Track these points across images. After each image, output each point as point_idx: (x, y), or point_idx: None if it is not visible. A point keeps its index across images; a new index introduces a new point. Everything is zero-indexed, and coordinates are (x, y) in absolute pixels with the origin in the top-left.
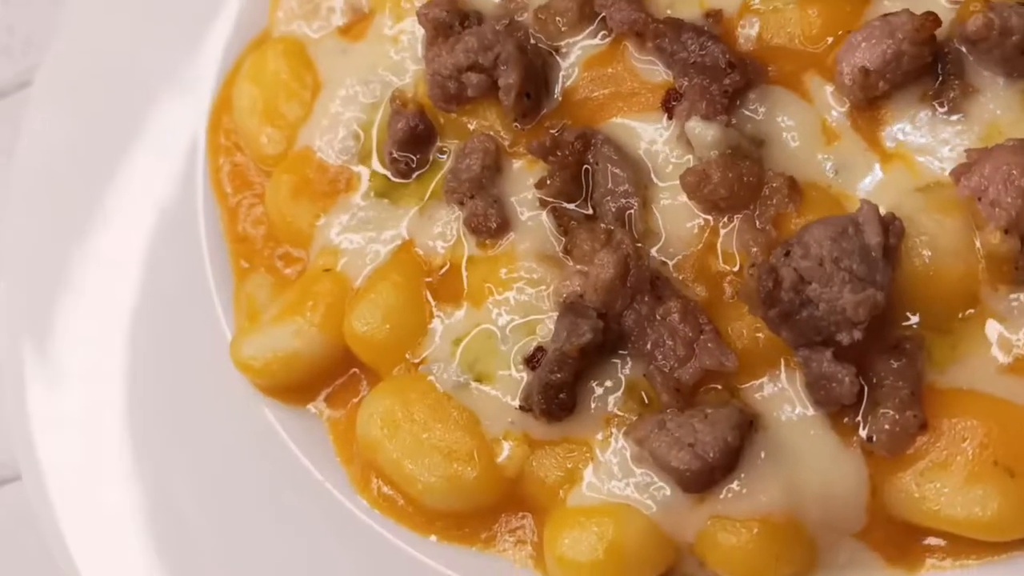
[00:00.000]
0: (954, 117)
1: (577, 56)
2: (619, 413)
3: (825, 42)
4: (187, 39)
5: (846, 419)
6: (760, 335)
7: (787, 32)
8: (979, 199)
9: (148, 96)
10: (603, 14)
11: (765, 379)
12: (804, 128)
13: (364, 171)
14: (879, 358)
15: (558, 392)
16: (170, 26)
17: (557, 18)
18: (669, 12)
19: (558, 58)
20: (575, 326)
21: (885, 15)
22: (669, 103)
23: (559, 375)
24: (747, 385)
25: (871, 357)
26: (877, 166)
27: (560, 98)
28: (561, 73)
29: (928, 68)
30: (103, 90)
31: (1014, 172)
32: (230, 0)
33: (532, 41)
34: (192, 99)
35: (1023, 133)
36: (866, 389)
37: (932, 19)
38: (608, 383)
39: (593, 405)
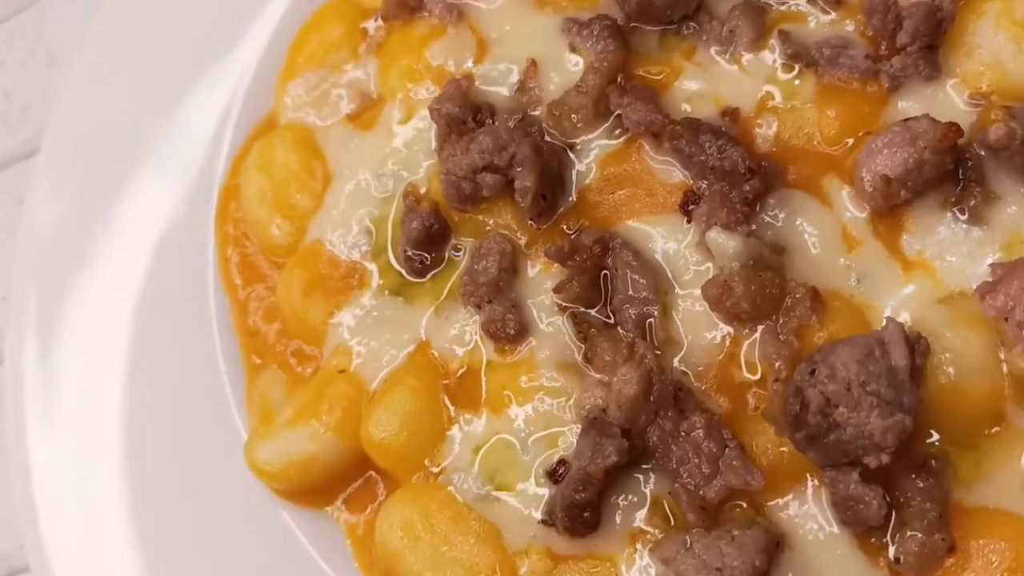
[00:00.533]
0: (976, 225)
1: (593, 154)
2: (644, 528)
3: (844, 143)
4: (193, 121)
5: (873, 539)
6: (785, 450)
7: (805, 133)
8: (1005, 319)
9: (155, 181)
10: (618, 112)
11: (790, 496)
12: (825, 235)
13: (377, 267)
14: (905, 477)
15: (582, 511)
16: (176, 111)
17: (572, 115)
18: (686, 109)
19: (573, 155)
20: (600, 446)
21: (906, 120)
22: (687, 206)
23: (583, 494)
24: (773, 503)
25: (897, 476)
26: (900, 275)
27: (576, 197)
28: (577, 170)
29: (949, 174)
30: (106, 167)
31: None
32: (236, 81)
33: (547, 138)
34: (199, 183)
35: None
36: (893, 510)
37: (955, 130)
38: (633, 498)
39: (618, 520)
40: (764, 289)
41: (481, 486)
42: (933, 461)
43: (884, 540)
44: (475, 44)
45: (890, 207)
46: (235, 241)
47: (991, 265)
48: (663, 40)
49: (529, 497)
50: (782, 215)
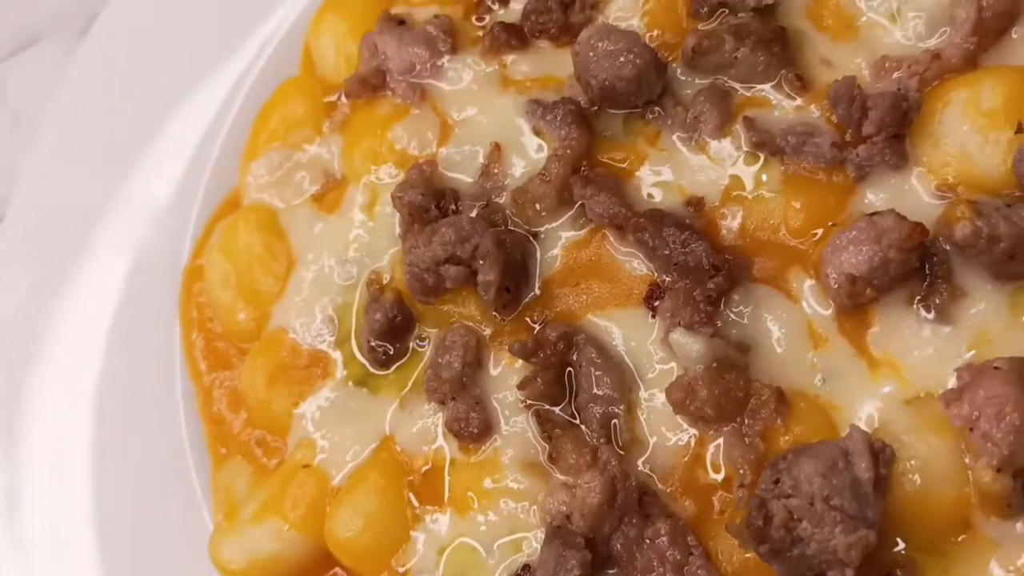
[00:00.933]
0: (943, 322)
1: (558, 243)
2: None
3: (810, 235)
4: (159, 196)
5: None
6: (749, 557)
7: (771, 224)
8: (971, 429)
9: (119, 257)
10: (581, 203)
11: None
12: (791, 332)
13: (341, 357)
14: None
15: None
16: (142, 186)
17: (536, 203)
18: (650, 198)
19: (537, 244)
20: (563, 558)
21: (871, 215)
22: (652, 300)
23: None
24: None
25: None
26: (866, 374)
27: (541, 288)
28: (542, 259)
29: (916, 270)
30: (70, 242)
31: (1006, 408)
32: (203, 154)
33: (511, 226)
34: (165, 262)
35: (1012, 341)
36: None
37: (920, 230)
38: None
39: None
40: (728, 392)
41: None
42: (899, 571)
43: None
44: (438, 125)
45: (857, 305)
46: (200, 324)
47: (957, 371)
48: (628, 123)
49: None
50: (747, 311)
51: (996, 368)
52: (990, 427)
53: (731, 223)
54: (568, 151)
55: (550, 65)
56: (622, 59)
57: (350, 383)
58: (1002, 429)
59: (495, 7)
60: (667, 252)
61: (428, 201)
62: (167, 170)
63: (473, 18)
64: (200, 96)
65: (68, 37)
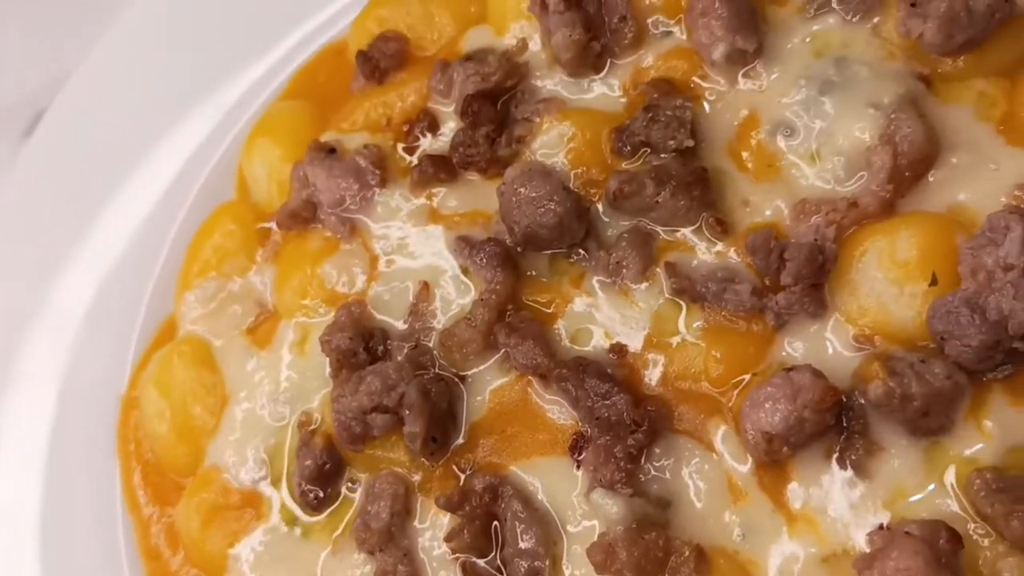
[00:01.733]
0: (859, 477)
1: (484, 387)
2: None
3: (730, 385)
4: (95, 320)
5: None
6: None
7: (692, 373)
8: None
9: (60, 385)
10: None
11: None
12: (711, 486)
13: (275, 496)
14: None
15: None
16: (82, 311)
17: (462, 348)
18: (574, 343)
19: (464, 388)
20: None
21: (788, 370)
22: (576, 451)
23: None
24: None
25: None
26: (784, 530)
27: (468, 435)
28: (469, 403)
29: (833, 424)
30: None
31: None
32: (137, 287)
33: (438, 369)
34: (103, 388)
35: (927, 497)
36: None
37: (831, 393)
38: None
39: None
40: (648, 552)
41: None
42: None
43: None
44: (368, 261)
45: (775, 460)
46: (138, 456)
47: (869, 535)
48: (553, 263)
49: None
50: (668, 465)
51: (908, 534)
52: None
53: (653, 371)
54: (493, 296)
55: (479, 199)
56: (543, 207)
57: (284, 525)
58: None
59: (424, 135)
60: (589, 404)
61: (356, 344)
62: (106, 289)
63: (401, 147)
64: (140, 212)
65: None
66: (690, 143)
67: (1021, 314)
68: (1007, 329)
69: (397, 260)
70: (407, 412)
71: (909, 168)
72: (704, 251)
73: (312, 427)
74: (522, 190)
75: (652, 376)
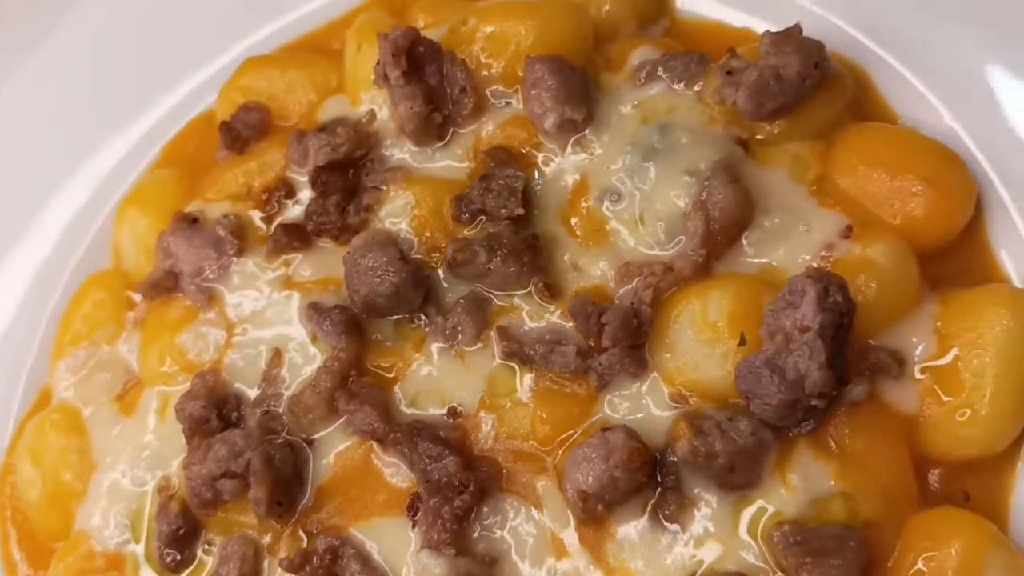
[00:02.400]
0: (674, 531)
1: (330, 450)
2: None
3: (556, 444)
4: None
5: None
6: None
7: (520, 433)
8: None
9: None
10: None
11: None
12: (535, 543)
13: (137, 561)
14: None
15: None
16: None
17: (308, 413)
18: (413, 406)
19: (311, 451)
20: None
21: (604, 431)
22: (413, 511)
23: None
24: None
25: None
26: None
27: (314, 497)
28: (316, 467)
29: (648, 482)
30: None
31: None
32: (17, 357)
33: (287, 433)
34: None
35: (735, 549)
36: None
37: (639, 453)
38: None
39: None
40: None
41: None
42: None
43: None
44: (225, 329)
45: (592, 518)
46: (14, 519)
47: None
48: (398, 327)
49: None
50: (496, 522)
51: None
52: None
53: (485, 432)
54: (336, 363)
55: (332, 266)
56: (379, 277)
57: None
58: None
59: (282, 204)
60: (423, 466)
61: (209, 412)
62: None
63: (260, 216)
64: (22, 281)
65: None
66: (520, 212)
67: (815, 374)
68: (804, 388)
69: (251, 328)
70: (252, 478)
71: (721, 232)
72: (535, 315)
73: (170, 492)
74: (362, 260)
75: (484, 437)
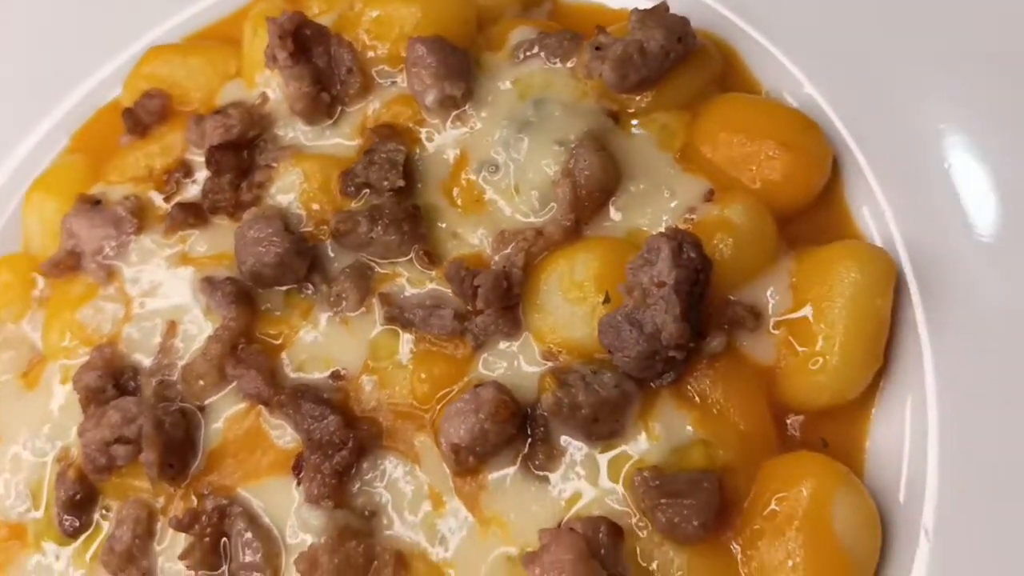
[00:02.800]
0: (543, 480)
1: (220, 415)
2: None
3: (434, 402)
4: None
5: None
6: None
7: (400, 393)
8: None
9: None
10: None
11: None
12: (413, 497)
13: (38, 530)
14: None
15: None
16: None
17: (199, 380)
18: (299, 371)
19: (203, 417)
20: None
21: (477, 386)
22: (298, 470)
23: None
24: None
25: None
26: (477, 533)
27: (206, 460)
28: (208, 431)
29: (519, 434)
30: None
31: (564, 573)
32: None
33: (181, 401)
34: None
35: (601, 496)
36: None
37: (506, 405)
38: None
39: None
40: (349, 559)
41: None
42: None
43: None
44: (124, 304)
45: (466, 470)
46: None
47: (540, 531)
48: (288, 297)
49: None
50: (375, 478)
51: (572, 530)
52: None
53: (367, 393)
54: (225, 332)
55: (226, 242)
56: (264, 247)
57: (44, 555)
58: None
59: (181, 184)
60: (306, 426)
61: (105, 382)
62: None
63: (160, 196)
64: None
65: None
66: (401, 183)
67: (671, 326)
68: (661, 340)
69: (148, 302)
70: (143, 442)
71: (588, 198)
72: (416, 281)
73: (69, 461)
74: (248, 232)
75: (366, 398)
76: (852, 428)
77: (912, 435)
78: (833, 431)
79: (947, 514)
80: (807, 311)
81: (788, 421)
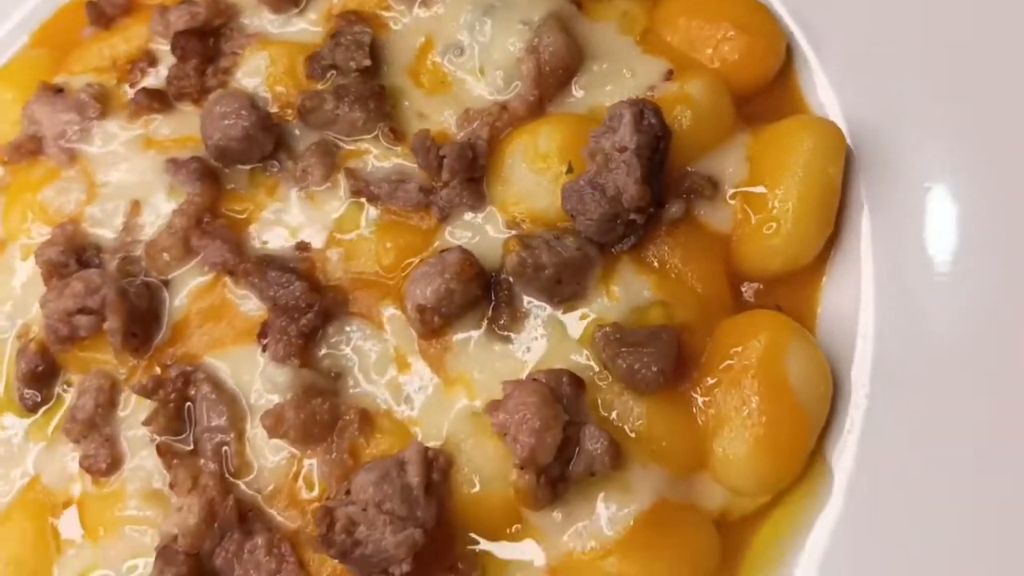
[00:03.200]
0: (507, 341)
1: (184, 287)
2: None
3: (400, 271)
4: None
5: None
6: (336, 563)
7: (366, 262)
8: (505, 434)
9: None
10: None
11: None
12: (378, 359)
13: (2, 399)
14: None
15: None
16: None
17: (163, 253)
18: (265, 244)
19: (167, 291)
20: (163, 574)
21: (442, 251)
22: (263, 337)
23: None
24: None
25: None
26: (442, 392)
27: (171, 332)
28: (172, 304)
29: (482, 297)
30: None
31: (528, 414)
32: None
33: (145, 276)
34: None
35: (562, 353)
36: None
37: (469, 263)
38: None
39: None
40: (315, 416)
41: None
42: (462, 563)
43: None
44: (86, 186)
45: (431, 331)
46: None
47: (503, 383)
48: (252, 176)
49: None
50: (340, 341)
51: (534, 380)
52: (517, 431)
53: (333, 263)
54: (190, 206)
55: (190, 126)
56: (230, 121)
57: (6, 428)
58: (524, 432)
59: (145, 73)
60: (271, 293)
61: (67, 257)
62: None
63: (127, 84)
64: None
65: None
66: (367, 63)
67: (632, 188)
68: (623, 203)
69: (112, 183)
70: (107, 309)
71: (552, 75)
72: (382, 157)
73: (30, 337)
74: (216, 108)
75: (332, 268)
76: (805, 294)
77: (859, 301)
78: (786, 296)
79: (884, 376)
80: (762, 180)
81: (743, 289)
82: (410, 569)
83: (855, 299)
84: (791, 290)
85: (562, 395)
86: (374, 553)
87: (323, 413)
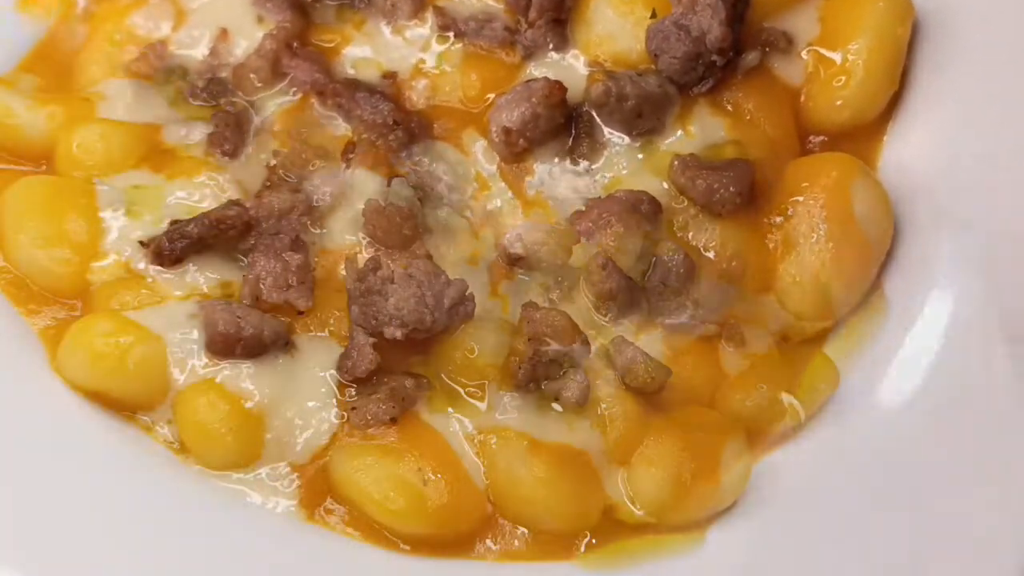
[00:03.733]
0: (585, 170)
1: (271, 110)
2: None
3: (483, 102)
4: None
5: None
6: None
7: (451, 93)
8: (586, 238)
9: None
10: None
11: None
12: (460, 180)
13: None
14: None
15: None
16: None
17: (252, 75)
18: (352, 71)
19: (254, 111)
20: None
21: (527, 81)
22: (347, 155)
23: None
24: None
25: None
26: (519, 211)
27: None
28: (257, 125)
29: (564, 127)
30: None
31: (613, 219)
32: None
33: (232, 96)
34: None
35: (638, 181)
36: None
37: (558, 87)
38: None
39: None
40: (392, 224)
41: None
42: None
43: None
44: (174, 14)
45: (514, 155)
46: None
47: (588, 200)
48: (340, 12)
49: None
50: (425, 162)
51: (615, 196)
52: (601, 235)
53: (419, 92)
54: (281, 31)
55: None
56: None
57: None
58: (608, 236)
59: None
60: (359, 113)
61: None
62: None
63: None
64: None
65: None
66: None
67: (716, 29)
68: (706, 43)
69: (200, 11)
70: None
71: None
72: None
73: None
74: None
75: (418, 96)
76: (868, 148)
77: (923, 157)
78: (851, 150)
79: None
80: (834, 38)
81: (810, 142)
82: (402, 338)
83: (915, 156)
84: (855, 145)
85: (642, 211)
86: (384, 310)
87: (405, 226)
